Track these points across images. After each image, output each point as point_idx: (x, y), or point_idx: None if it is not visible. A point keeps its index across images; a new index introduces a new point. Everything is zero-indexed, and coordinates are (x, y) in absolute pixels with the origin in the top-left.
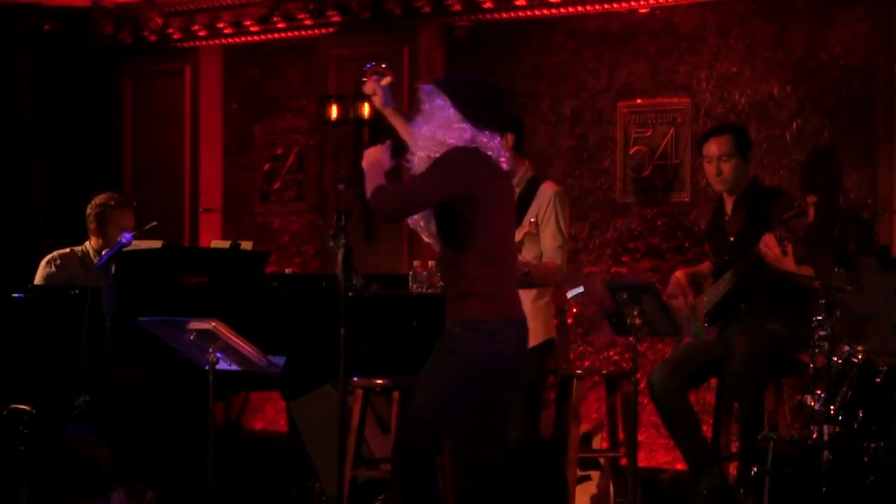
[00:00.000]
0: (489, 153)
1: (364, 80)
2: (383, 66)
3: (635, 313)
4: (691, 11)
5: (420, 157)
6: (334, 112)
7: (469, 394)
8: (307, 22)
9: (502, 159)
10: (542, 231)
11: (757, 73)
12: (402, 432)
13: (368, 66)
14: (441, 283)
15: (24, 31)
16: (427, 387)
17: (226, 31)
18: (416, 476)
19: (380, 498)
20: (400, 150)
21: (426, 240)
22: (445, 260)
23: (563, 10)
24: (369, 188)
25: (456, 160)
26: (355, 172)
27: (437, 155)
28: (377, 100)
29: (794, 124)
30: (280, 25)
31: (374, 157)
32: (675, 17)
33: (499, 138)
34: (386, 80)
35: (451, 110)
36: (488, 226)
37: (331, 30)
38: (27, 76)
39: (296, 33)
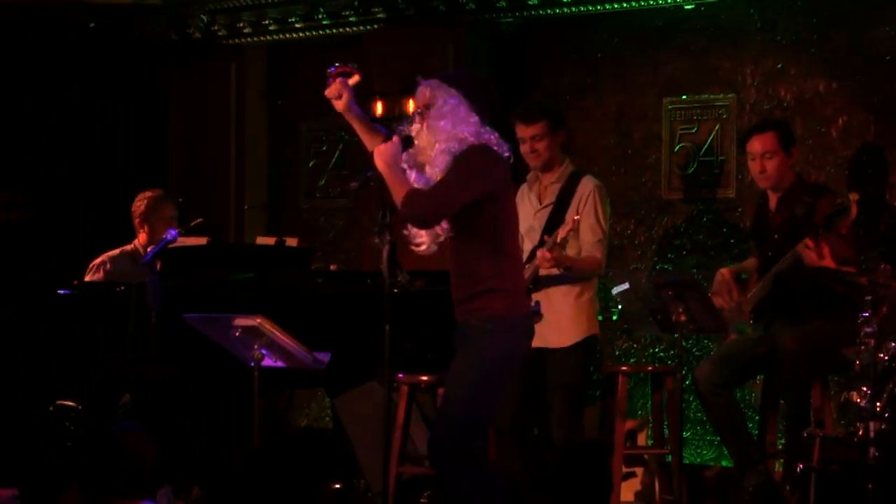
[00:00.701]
0: (496, 147)
1: (329, 81)
2: (351, 65)
3: (680, 310)
4: (736, 7)
5: (440, 150)
6: (379, 108)
7: (497, 387)
8: (352, 19)
9: (506, 153)
10: (582, 225)
11: (802, 70)
12: (436, 430)
13: (332, 69)
14: None
15: (70, 28)
16: (457, 383)
17: (271, 28)
18: (453, 467)
19: (425, 494)
20: (408, 143)
21: (420, 243)
22: (461, 258)
23: (608, 6)
24: (398, 193)
25: (479, 159)
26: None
27: (456, 150)
28: (341, 103)
29: (840, 120)
30: (325, 22)
31: (390, 157)
32: (720, 13)
33: (496, 133)
34: (354, 80)
35: (464, 105)
36: (507, 221)
37: (375, 26)
38: (73, 74)
39: (340, 30)
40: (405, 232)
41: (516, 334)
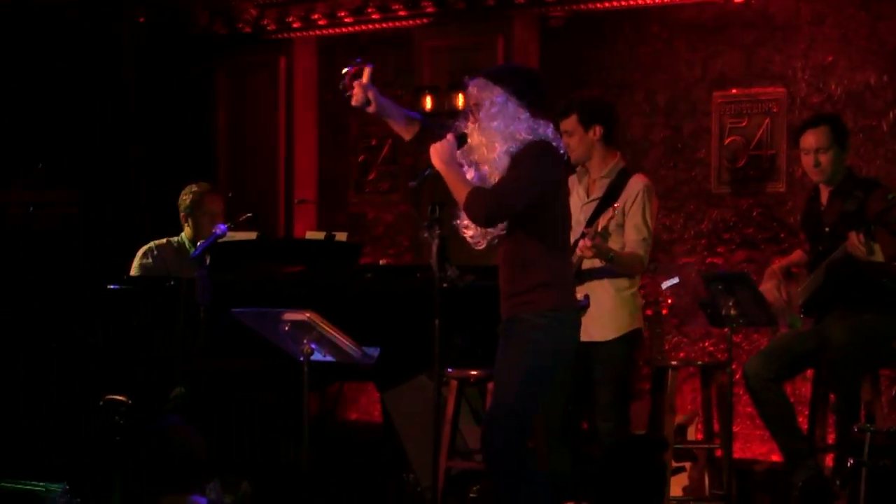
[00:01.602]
0: (553, 143)
1: (347, 94)
2: (355, 62)
3: (730, 304)
4: (785, 1)
5: (500, 151)
6: (428, 103)
7: (548, 381)
8: (401, 13)
9: (561, 148)
10: (628, 223)
11: (852, 63)
12: (489, 426)
13: (344, 79)
14: None
15: (121, 22)
16: (509, 378)
17: (320, 23)
18: (507, 466)
19: (474, 488)
20: (462, 140)
21: (473, 237)
22: (515, 252)
23: (657, 0)
24: (460, 191)
25: (539, 157)
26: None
27: (514, 150)
28: (372, 107)
29: (891, 113)
30: (374, 16)
31: (447, 155)
32: (770, 7)
33: (551, 125)
34: (367, 74)
35: (512, 102)
36: (561, 216)
37: (425, 20)
38: (123, 68)
39: (390, 24)
40: (457, 222)
41: (567, 328)
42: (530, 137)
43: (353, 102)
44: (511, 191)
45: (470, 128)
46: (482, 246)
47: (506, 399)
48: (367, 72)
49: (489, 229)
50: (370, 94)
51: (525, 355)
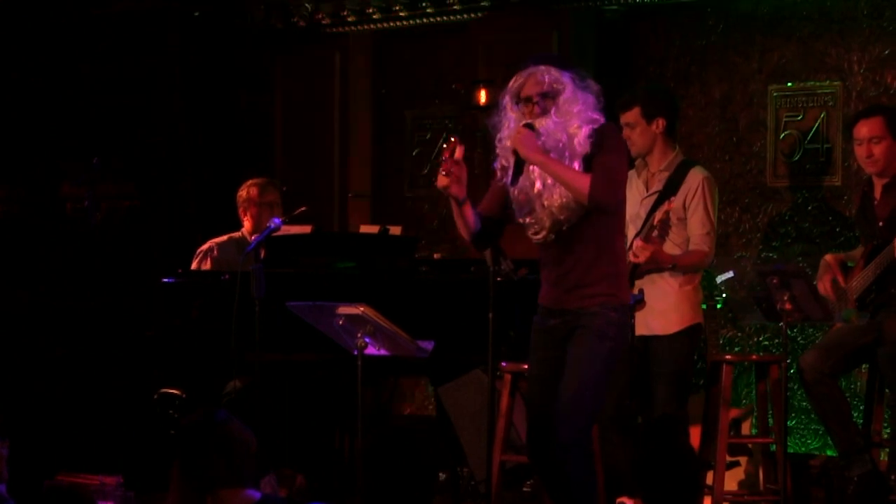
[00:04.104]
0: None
1: (443, 172)
2: (452, 139)
3: (785, 298)
4: None
5: (584, 134)
6: (483, 97)
7: (613, 374)
8: (456, 7)
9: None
10: (691, 217)
11: None
12: (564, 418)
13: (445, 158)
14: None
15: (175, 17)
16: (584, 371)
17: (375, 17)
18: (578, 460)
19: (528, 483)
20: (533, 128)
21: (536, 226)
22: (583, 243)
23: None
24: (575, 179)
25: (619, 138)
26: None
27: (591, 131)
28: (460, 189)
29: None
30: (429, 10)
31: (535, 144)
32: (827, 0)
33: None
34: (460, 153)
35: (581, 86)
36: (625, 208)
37: (480, 14)
38: (178, 62)
39: (445, 18)
40: (526, 220)
41: (628, 321)
42: (603, 118)
43: (439, 184)
44: (619, 172)
45: (537, 116)
46: (541, 237)
47: (581, 391)
48: (459, 150)
49: (561, 217)
50: (462, 173)
51: (598, 349)
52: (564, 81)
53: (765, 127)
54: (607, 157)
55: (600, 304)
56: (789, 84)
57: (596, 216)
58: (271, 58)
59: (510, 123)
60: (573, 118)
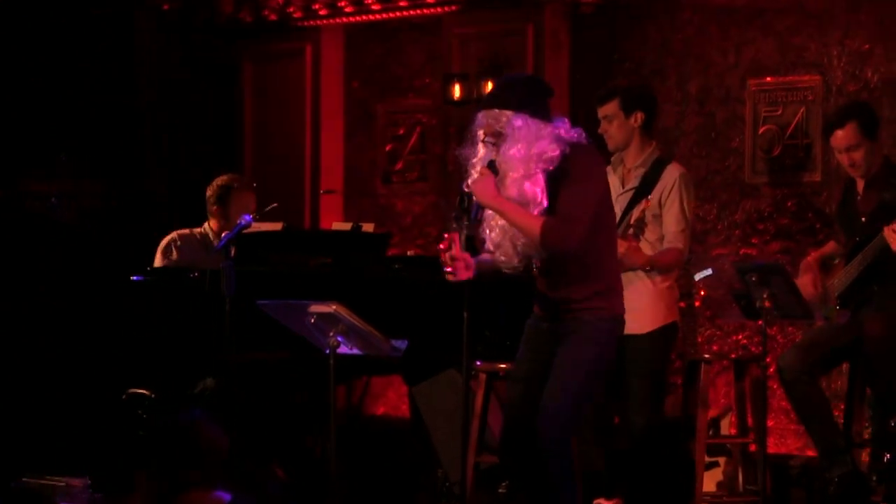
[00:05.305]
0: (582, 140)
1: (448, 270)
2: (445, 235)
3: (765, 296)
4: None
5: (514, 178)
6: (457, 91)
7: (600, 380)
8: (430, 0)
9: (585, 140)
10: (666, 213)
11: (889, 50)
12: (547, 419)
13: (442, 255)
14: None
15: (144, 11)
16: (572, 374)
17: (347, 10)
18: (559, 460)
19: (503, 484)
20: (494, 168)
21: (513, 266)
22: (569, 261)
23: None
24: (528, 225)
25: (589, 165)
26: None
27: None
28: (471, 273)
29: None
30: (402, 3)
31: (493, 191)
32: None
33: (565, 118)
34: (457, 243)
35: (529, 121)
36: (612, 218)
37: (454, 7)
38: (147, 56)
39: (418, 11)
40: (496, 253)
41: (619, 331)
42: (557, 150)
43: (455, 279)
44: (580, 211)
45: (495, 157)
46: (511, 270)
47: (567, 393)
48: (456, 241)
49: (530, 253)
50: (469, 262)
51: (588, 354)
52: (504, 125)
53: (743, 122)
54: (567, 192)
55: (595, 317)
56: (768, 79)
57: None
58: (242, 52)
59: (478, 156)
60: (512, 161)
